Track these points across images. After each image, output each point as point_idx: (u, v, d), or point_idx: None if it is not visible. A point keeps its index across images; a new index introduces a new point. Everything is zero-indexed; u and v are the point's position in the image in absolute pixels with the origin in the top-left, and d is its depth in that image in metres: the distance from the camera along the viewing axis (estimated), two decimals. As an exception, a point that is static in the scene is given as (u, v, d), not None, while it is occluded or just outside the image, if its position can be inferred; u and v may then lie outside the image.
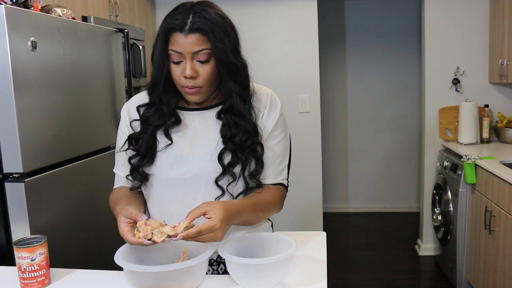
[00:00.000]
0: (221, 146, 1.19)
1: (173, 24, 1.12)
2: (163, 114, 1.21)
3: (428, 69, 3.40)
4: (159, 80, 1.19)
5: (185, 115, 1.24)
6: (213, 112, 1.24)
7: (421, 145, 3.68)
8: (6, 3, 1.52)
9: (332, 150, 4.74)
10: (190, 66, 1.12)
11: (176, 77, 1.16)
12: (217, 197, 1.19)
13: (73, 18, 1.91)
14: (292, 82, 3.43)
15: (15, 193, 1.49)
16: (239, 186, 1.20)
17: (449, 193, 3.04)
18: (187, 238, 1.01)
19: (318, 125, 3.47)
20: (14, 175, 1.50)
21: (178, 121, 1.22)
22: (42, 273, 1.10)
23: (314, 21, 3.39)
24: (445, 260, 3.16)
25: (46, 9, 1.81)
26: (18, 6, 1.58)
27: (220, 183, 1.18)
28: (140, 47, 2.81)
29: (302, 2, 3.38)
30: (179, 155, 1.20)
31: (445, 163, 3.16)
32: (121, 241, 1.15)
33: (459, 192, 2.83)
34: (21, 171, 1.50)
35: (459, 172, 2.85)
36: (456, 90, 3.38)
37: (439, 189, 3.26)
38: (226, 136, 1.18)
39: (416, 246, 3.74)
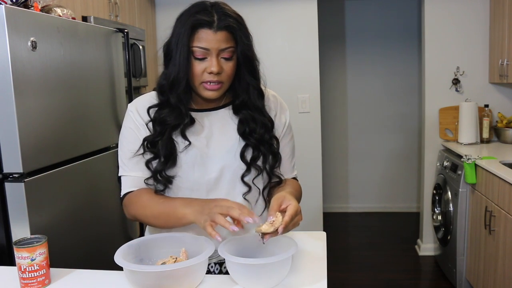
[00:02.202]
0: (242, 143, 1.22)
1: (201, 20, 1.12)
2: (180, 114, 1.19)
3: (428, 69, 3.40)
4: (183, 78, 1.15)
5: (195, 116, 1.24)
6: (223, 112, 1.26)
7: (421, 145, 3.68)
8: (6, 3, 1.52)
9: (332, 150, 4.74)
10: (217, 62, 1.14)
11: (198, 73, 1.15)
12: (243, 194, 1.23)
13: (73, 18, 1.91)
14: (292, 82, 3.43)
15: (15, 193, 1.50)
16: (265, 179, 1.26)
17: (449, 193, 3.04)
18: (285, 228, 1.04)
19: (318, 125, 3.47)
20: (14, 175, 1.51)
21: (193, 121, 1.22)
22: (42, 273, 1.10)
23: (314, 21, 3.39)
24: (445, 260, 3.16)
25: (46, 9, 1.81)
26: (18, 6, 1.58)
27: (246, 179, 1.21)
28: (140, 47, 2.81)
29: (302, 2, 3.38)
30: (199, 155, 1.21)
31: (445, 163, 3.16)
32: (121, 241, 1.15)
33: (459, 192, 2.83)
34: (21, 171, 1.50)
35: (459, 172, 2.85)
36: (456, 90, 3.38)
37: (439, 189, 3.26)
38: (245, 131, 1.21)
39: (416, 246, 3.74)
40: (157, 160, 1.20)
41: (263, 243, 1.06)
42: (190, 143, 1.20)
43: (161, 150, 1.18)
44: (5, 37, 1.41)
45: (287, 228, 1.05)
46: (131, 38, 2.49)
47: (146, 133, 1.22)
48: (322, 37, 3.92)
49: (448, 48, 3.35)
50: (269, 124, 1.24)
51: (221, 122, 1.25)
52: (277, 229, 1.03)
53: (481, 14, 3.27)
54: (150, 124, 1.22)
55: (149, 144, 1.20)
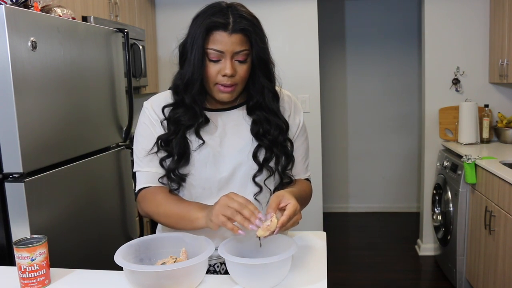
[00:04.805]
0: (255, 144, 1.22)
1: (216, 22, 1.12)
2: (195, 114, 1.20)
3: (428, 69, 3.40)
4: (197, 79, 1.16)
5: (209, 116, 1.24)
6: (237, 112, 1.26)
7: (421, 145, 3.68)
8: (6, 3, 1.52)
9: (332, 150, 4.74)
10: (230, 65, 1.14)
11: (212, 75, 1.16)
12: (254, 194, 1.23)
13: (73, 18, 1.91)
14: (292, 82, 3.42)
15: (15, 193, 1.49)
16: (276, 180, 1.26)
17: (449, 193, 3.04)
18: (283, 227, 1.05)
19: (318, 125, 3.47)
20: (14, 175, 1.50)
21: (207, 121, 1.23)
22: (42, 273, 1.10)
23: (314, 21, 3.39)
24: (445, 260, 3.16)
25: (46, 9, 1.81)
26: (18, 6, 1.58)
27: (257, 180, 1.22)
28: (140, 47, 2.81)
29: (302, 2, 3.38)
30: (212, 154, 1.21)
31: (445, 163, 3.16)
32: (121, 241, 1.15)
33: (459, 192, 2.83)
34: (21, 171, 1.49)
35: (459, 172, 2.85)
36: (456, 90, 3.38)
37: (439, 189, 3.26)
38: (259, 132, 1.22)
39: (416, 246, 3.74)
40: (170, 158, 1.21)
41: (260, 245, 1.09)
42: (204, 142, 1.21)
43: (175, 149, 1.20)
44: (5, 37, 1.41)
45: (285, 227, 1.06)
46: (131, 38, 2.49)
47: (161, 130, 1.23)
48: (322, 37, 3.92)
49: (448, 48, 3.35)
50: (284, 126, 1.24)
51: (234, 122, 1.25)
52: (273, 231, 1.04)
53: (481, 14, 3.27)
54: (165, 122, 1.23)
55: (163, 142, 1.21)
